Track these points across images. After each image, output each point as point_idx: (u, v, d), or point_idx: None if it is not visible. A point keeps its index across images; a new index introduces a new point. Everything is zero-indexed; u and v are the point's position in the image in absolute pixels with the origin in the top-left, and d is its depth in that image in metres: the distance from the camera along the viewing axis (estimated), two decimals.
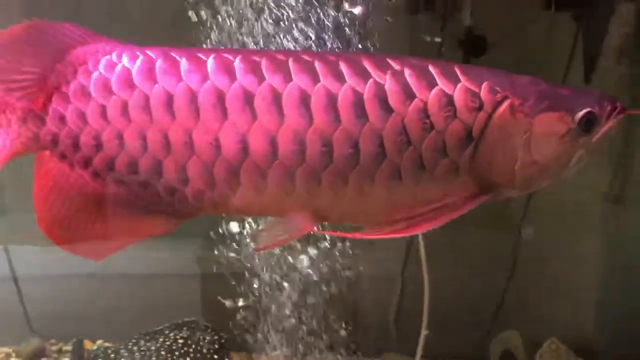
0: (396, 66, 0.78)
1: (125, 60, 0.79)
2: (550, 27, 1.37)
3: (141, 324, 1.54)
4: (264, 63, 0.77)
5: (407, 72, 0.77)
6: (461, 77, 0.78)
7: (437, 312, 1.44)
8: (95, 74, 0.79)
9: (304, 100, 0.75)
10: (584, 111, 0.77)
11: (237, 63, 0.77)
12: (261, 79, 0.76)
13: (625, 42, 1.34)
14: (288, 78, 0.76)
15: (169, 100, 0.77)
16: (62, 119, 0.79)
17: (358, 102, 0.76)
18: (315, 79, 0.76)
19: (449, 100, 0.77)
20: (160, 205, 0.80)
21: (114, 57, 0.80)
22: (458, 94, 0.77)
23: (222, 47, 0.98)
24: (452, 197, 0.79)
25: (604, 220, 1.61)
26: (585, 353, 1.39)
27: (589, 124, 0.78)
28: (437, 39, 1.31)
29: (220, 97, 0.76)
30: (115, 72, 0.78)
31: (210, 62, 0.77)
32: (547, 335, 1.48)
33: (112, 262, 1.58)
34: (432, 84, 0.77)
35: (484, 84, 0.78)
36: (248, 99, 0.76)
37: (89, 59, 0.80)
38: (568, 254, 1.60)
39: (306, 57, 0.78)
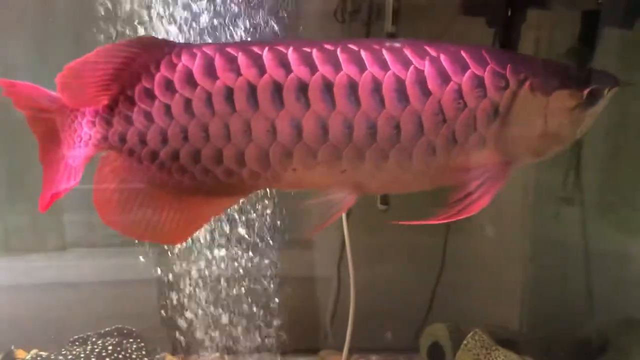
0: (433, 53, 0.86)
1: (184, 59, 0.85)
2: (470, 33, 1.41)
3: (79, 332, 1.53)
4: (315, 54, 0.84)
5: (442, 58, 0.86)
6: (489, 61, 0.87)
7: (372, 309, 1.48)
8: (157, 76, 0.85)
9: (352, 87, 0.83)
10: (590, 87, 0.89)
11: (291, 55, 0.84)
12: (314, 69, 0.84)
13: (537, 48, 1.41)
14: (338, 68, 0.84)
15: (229, 94, 0.83)
16: (128, 119, 0.86)
17: (400, 88, 0.84)
18: (362, 68, 0.84)
19: (480, 81, 0.86)
20: (219, 188, 0.88)
21: (173, 57, 0.86)
22: (488, 76, 0.86)
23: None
24: (479, 166, 0.88)
25: (531, 219, 1.68)
26: (508, 343, 1.44)
27: (594, 98, 0.90)
28: None
29: (277, 88, 0.83)
30: (176, 71, 0.85)
31: (266, 55, 0.84)
32: (476, 327, 1.54)
33: (51, 272, 1.60)
34: (464, 67, 0.86)
35: (508, 66, 0.87)
36: (302, 88, 0.83)
37: (150, 62, 0.86)
38: (496, 250, 1.67)
39: (352, 47, 0.86)
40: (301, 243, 1.59)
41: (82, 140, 0.88)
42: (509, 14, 1.31)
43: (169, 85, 0.85)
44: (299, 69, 0.83)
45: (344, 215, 1.40)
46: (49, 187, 0.90)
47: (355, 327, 1.45)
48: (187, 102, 0.84)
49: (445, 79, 0.85)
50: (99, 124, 0.87)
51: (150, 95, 0.85)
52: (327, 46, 0.85)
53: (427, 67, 0.85)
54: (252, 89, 0.83)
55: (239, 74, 0.83)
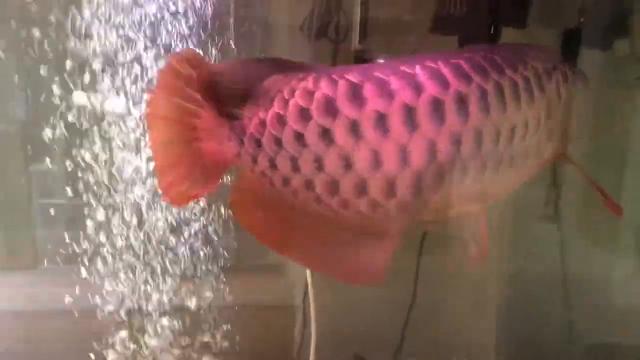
0: (531, 54, 0.89)
1: (324, 87, 0.82)
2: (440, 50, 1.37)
3: None
4: (464, 65, 0.83)
5: (541, 57, 0.90)
6: (560, 56, 0.93)
7: (341, 338, 1.43)
8: (292, 103, 0.82)
9: (500, 94, 0.83)
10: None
11: (443, 69, 0.82)
12: (469, 80, 0.82)
13: None
14: (487, 76, 0.83)
15: (381, 119, 0.80)
16: (258, 142, 0.84)
17: (516, 93, 0.85)
18: (488, 76, 0.84)
19: (565, 77, 0.90)
20: (357, 224, 0.84)
21: (310, 85, 0.82)
22: (569, 71, 0.91)
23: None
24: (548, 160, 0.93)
25: (510, 240, 1.62)
26: None
27: None
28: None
29: (437, 106, 0.80)
30: (314, 99, 0.81)
31: (420, 74, 0.81)
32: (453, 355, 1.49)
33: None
34: (556, 67, 0.90)
35: (567, 64, 0.93)
36: (461, 101, 0.81)
37: (284, 87, 0.83)
38: (472, 273, 1.62)
39: (477, 56, 0.86)
40: (266, 269, 1.54)
41: (220, 151, 0.85)
42: (483, 32, 1.26)
43: (303, 114, 0.82)
44: (455, 82, 0.81)
45: None
46: (188, 184, 0.87)
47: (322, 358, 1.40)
48: (325, 131, 0.81)
49: (549, 77, 0.88)
50: (235, 140, 0.85)
51: (282, 122, 0.83)
52: (471, 55, 0.85)
53: (530, 71, 0.87)
54: (409, 111, 0.80)
55: (392, 97, 0.80)
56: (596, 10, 1.22)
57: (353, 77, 0.82)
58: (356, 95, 0.81)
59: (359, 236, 0.85)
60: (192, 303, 1.44)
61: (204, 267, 1.44)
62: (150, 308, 1.43)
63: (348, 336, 1.50)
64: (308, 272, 1.36)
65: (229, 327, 1.46)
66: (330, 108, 0.81)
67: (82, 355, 1.45)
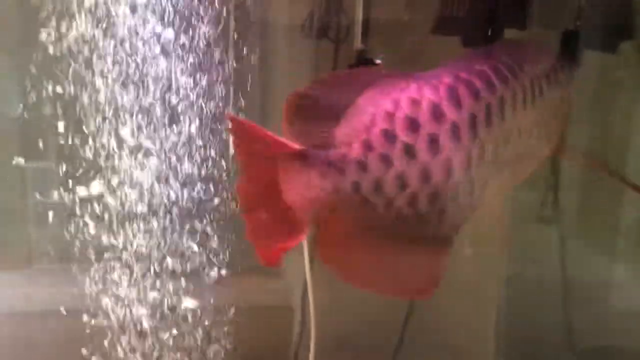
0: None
1: (428, 93, 0.79)
2: (444, 51, 1.37)
3: None
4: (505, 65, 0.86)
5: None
6: (556, 57, 0.96)
7: (339, 340, 1.42)
8: (398, 115, 0.77)
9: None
10: None
11: (502, 68, 0.84)
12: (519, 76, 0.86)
13: None
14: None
15: (473, 120, 0.79)
16: (363, 166, 0.76)
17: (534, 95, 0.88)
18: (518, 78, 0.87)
19: (562, 82, 0.94)
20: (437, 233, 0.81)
21: (414, 93, 0.78)
22: (562, 75, 0.93)
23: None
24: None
25: (509, 243, 1.62)
26: None
27: None
28: None
29: (502, 103, 0.82)
30: (421, 108, 0.78)
31: (490, 72, 0.83)
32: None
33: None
34: (558, 66, 0.95)
35: (565, 63, 0.97)
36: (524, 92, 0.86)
37: (384, 101, 0.78)
38: (471, 274, 1.61)
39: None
40: (265, 269, 1.53)
41: (311, 194, 0.76)
42: (484, 33, 1.26)
43: (413, 124, 0.77)
44: (520, 76, 0.86)
45: (305, 241, 1.34)
46: (275, 238, 0.79)
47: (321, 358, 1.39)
48: (433, 139, 0.77)
49: (541, 92, 0.89)
50: (331, 175, 0.76)
51: (389, 137, 0.77)
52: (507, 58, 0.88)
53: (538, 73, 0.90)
54: (488, 111, 0.80)
55: (478, 97, 0.80)
56: (601, 11, 1.22)
57: (449, 80, 0.81)
58: (454, 98, 0.79)
59: (428, 246, 0.82)
60: (191, 303, 1.43)
61: (202, 268, 1.43)
62: (149, 308, 1.42)
63: (347, 336, 1.49)
64: (307, 272, 1.35)
65: (228, 327, 1.45)
66: (437, 114, 0.78)
67: (75, 356, 1.44)
